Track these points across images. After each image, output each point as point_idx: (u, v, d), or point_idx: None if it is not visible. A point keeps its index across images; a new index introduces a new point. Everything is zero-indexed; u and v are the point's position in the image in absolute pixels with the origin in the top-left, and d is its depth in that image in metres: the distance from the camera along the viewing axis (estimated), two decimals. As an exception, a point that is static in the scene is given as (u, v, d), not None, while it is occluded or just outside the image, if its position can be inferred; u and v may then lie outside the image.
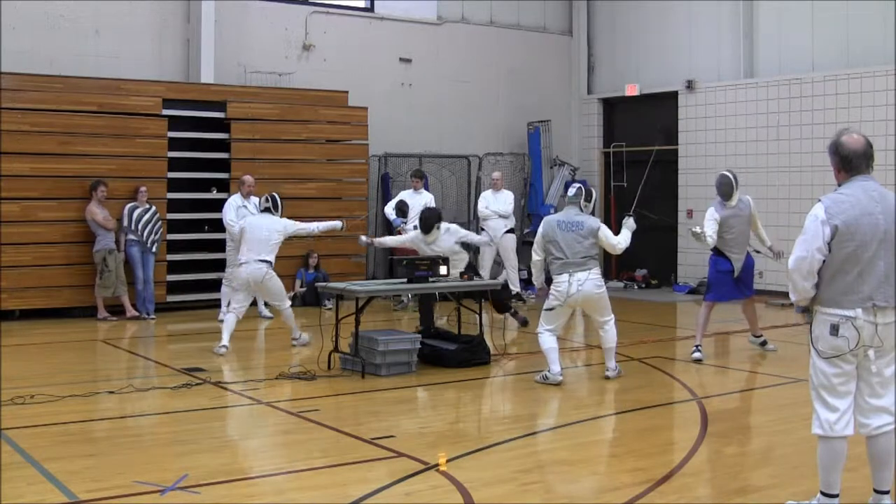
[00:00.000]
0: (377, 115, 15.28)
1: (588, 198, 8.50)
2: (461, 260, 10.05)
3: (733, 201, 9.53)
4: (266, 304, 12.85)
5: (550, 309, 8.36)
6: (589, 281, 8.22)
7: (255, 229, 10.08)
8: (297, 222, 10.47)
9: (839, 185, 4.73)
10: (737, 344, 10.53)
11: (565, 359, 9.62)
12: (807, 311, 4.81)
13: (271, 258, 10.07)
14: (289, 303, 10.44)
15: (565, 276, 8.21)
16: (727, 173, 9.65)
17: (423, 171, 14.57)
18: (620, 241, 8.51)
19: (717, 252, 9.62)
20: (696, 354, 9.49)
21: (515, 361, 9.48)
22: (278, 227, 10.12)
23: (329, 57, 15.65)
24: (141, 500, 5.16)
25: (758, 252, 10.13)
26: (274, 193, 10.46)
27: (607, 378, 8.49)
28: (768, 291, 13.70)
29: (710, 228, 9.48)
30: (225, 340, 9.84)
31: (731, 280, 9.61)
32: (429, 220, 9.98)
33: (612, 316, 8.53)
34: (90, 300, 12.56)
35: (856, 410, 4.66)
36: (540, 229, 8.53)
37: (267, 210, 10.29)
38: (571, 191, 8.56)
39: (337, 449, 6.34)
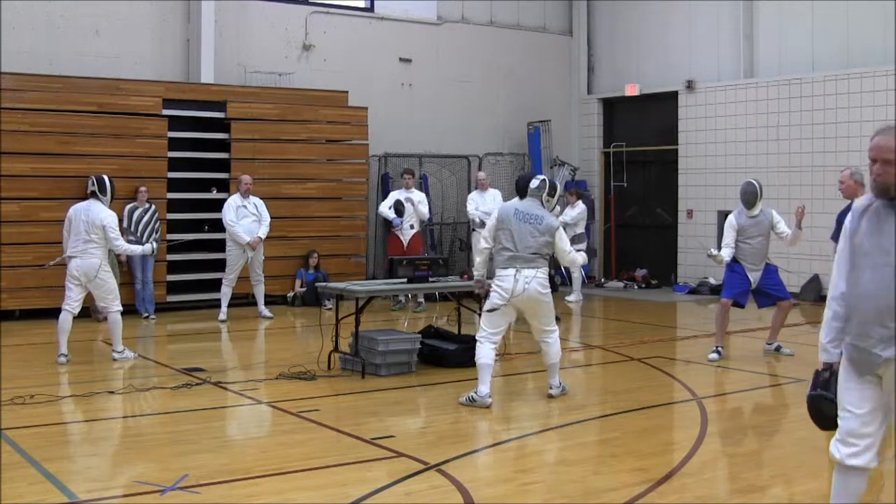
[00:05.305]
0: (377, 115, 15.28)
1: (552, 191, 7.65)
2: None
3: (756, 210, 9.46)
4: (266, 304, 12.87)
5: (493, 309, 7.52)
6: (535, 280, 7.40)
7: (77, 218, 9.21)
8: (117, 233, 9.27)
9: None
10: (736, 344, 10.52)
11: (564, 359, 9.62)
12: None
13: (97, 252, 9.22)
14: (117, 308, 9.48)
15: (511, 272, 7.38)
16: (753, 181, 9.57)
17: (412, 168, 14.53)
18: (574, 254, 7.79)
19: (734, 260, 9.52)
20: (712, 355, 9.46)
21: (515, 361, 9.48)
22: (98, 220, 9.17)
23: (329, 57, 15.65)
24: (141, 500, 5.16)
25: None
26: (103, 175, 9.50)
27: (550, 397, 7.77)
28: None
29: (728, 237, 9.43)
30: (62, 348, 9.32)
31: (745, 281, 9.52)
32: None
33: (557, 328, 7.76)
34: (90, 300, 12.51)
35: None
36: (494, 213, 7.76)
37: (93, 194, 9.30)
38: (535, 182, 7.70)
39: (337, 449, 6.34)
